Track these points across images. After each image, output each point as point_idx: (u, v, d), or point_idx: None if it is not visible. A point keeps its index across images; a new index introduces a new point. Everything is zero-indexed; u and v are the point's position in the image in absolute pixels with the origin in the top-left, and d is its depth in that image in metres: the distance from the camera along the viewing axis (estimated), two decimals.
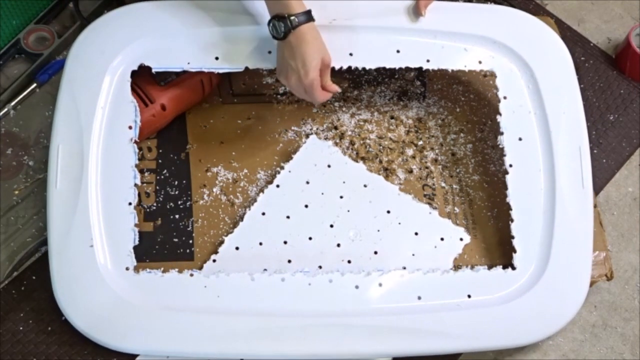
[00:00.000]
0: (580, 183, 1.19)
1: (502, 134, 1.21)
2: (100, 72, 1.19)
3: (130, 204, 1.15)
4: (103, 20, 1.23)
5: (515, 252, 1.16)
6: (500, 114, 1.22)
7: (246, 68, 1.20)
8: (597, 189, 1.32)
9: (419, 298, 1.13)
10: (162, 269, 1.14)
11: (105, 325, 1.10)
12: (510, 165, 1.20)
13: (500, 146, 1.21)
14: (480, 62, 1.24)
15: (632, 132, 1.38)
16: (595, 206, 1.26)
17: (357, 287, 1.14)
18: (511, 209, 1.18)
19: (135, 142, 1.18)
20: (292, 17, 1.11)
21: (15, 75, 1.38)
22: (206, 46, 1.21)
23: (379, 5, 1.24)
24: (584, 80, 1.41)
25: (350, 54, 1.21)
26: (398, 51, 1.22)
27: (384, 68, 1.22)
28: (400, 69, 1.24)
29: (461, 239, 1.22)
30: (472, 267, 1.18)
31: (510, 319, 1.13)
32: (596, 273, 1.21)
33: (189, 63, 1.20)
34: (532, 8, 1.48)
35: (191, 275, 1.13)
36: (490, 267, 1.16)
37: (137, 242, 1.14)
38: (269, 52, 1.20)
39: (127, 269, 1.12)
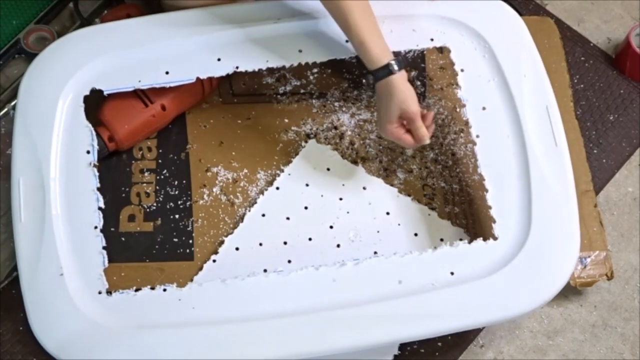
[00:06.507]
0: (553, 141, 1.17)
1: (464, 106, 1.20)
2: (52, 102, 1.18)
3: (96, 227, 1.13)
4: (48, 51, 1.22)
5: (494, 222, 1.13)
6: (459, 87, 1.21)
7: (197, 78, 1.20)
8: (597, 189, 1.32)
9: (400, 282, 1.10)
10: (135, 287, 1.12)
11: (85, 351, 1.07)
12: (478, 136, 1.19)
13: (465, 118, 1.20)
14: (432, 40, 1.23)
15: (632, 132, 1.37)
16: (595, 206, 1.26)
17: (334, 280, 1.11)
18: (484, 180, 1.16)
19: (95, 165, 1.17)
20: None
21: (15, 75, 1.38)
22: (155, 62, 1.20)
23: None
24: (584, 80, 1.41)
25: (300, 51, 1.21)
26: (347, 41, 1.20)
27: None
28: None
29: (461, 239, 1.22)
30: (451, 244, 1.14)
31: (498, 291, 1.08)
32: (596, 273, 1.21)
33: (139, 81, 1.19)
34: (532, 8, 1.48)
35: (164, 290, 1.11)
36: (470, 241, 1.13)
37: (106, 265, 1.12)
38: (219, 60, 1.20)
39: (99, 292, 1.11)
